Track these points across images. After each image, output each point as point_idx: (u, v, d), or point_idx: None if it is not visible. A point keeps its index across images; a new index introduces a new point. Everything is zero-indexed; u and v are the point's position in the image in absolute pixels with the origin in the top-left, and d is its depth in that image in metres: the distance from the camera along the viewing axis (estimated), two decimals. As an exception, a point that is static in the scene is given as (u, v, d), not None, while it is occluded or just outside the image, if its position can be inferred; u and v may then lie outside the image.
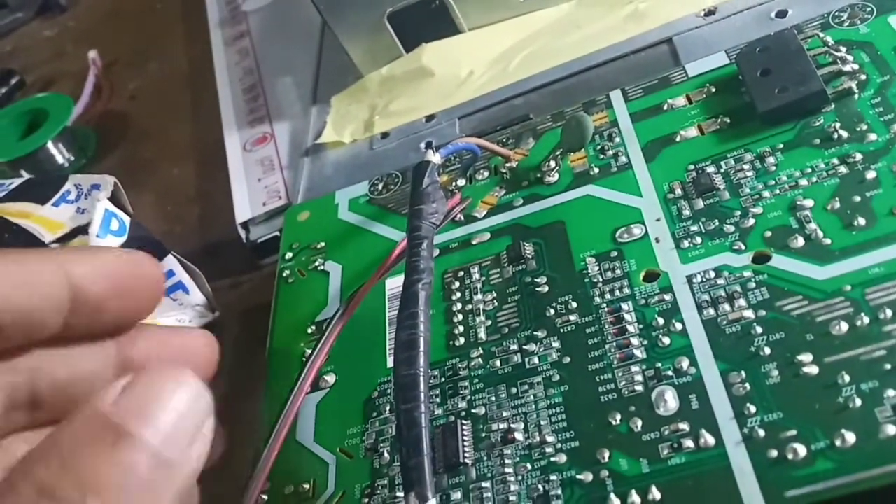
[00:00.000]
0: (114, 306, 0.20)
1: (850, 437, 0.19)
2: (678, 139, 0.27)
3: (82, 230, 0.30)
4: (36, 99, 0.48)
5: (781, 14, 0.30)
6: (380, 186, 0.32)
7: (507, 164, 0.30)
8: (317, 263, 0.30)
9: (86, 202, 0.31)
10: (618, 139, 0.28)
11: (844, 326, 0.21)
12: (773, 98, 0.26)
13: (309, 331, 0.28)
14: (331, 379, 0.26)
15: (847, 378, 0.20)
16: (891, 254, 0.22)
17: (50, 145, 0.45)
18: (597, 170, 0.28)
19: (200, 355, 0.21)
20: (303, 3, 0.33)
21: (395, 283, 0.27)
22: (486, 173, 0.30)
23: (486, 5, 0.33)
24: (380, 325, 0.27)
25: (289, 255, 0.31)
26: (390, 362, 0.26)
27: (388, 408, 0.25)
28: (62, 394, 0.19)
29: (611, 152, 0.28)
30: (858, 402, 0.19)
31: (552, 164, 0.28)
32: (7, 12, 0.62)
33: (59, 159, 0.46)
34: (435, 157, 0.26)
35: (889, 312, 0.20)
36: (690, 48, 0.30)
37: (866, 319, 0.21)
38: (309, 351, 0.27)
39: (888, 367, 0.20)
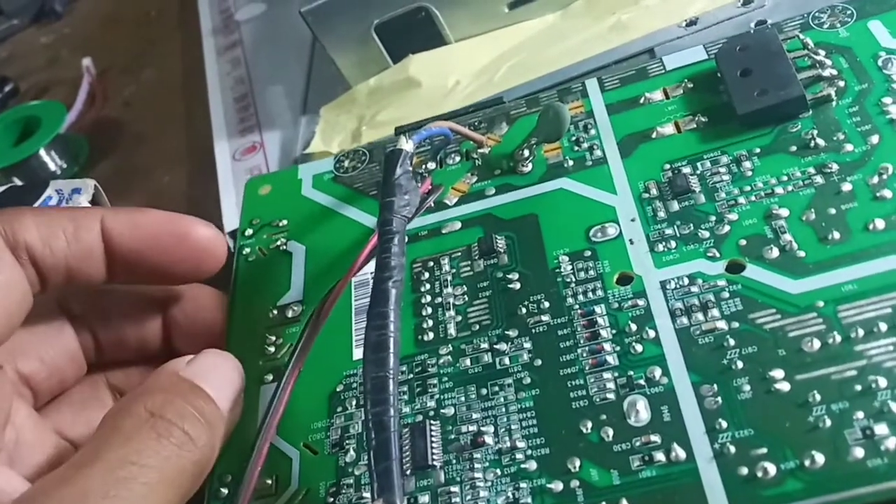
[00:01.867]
0: (149, 262, 0.24)
1: (820, 459, 0.19)
2: (654, 135, 0.27)
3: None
4: (29, 106, 0.48)
5: (761, 24, 0.29)
6: (345, 163, 0.31)
7: (480, 150, 0.29)
8: (279, 243, 0.29)
9: (67, 206, 0.32)
10: (593, 131, 0.28)
11: (817, 343, 0.21)
12: (753, 101, 0.26)
13: (271, 315, 0.27)
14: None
15: (818, 397, 0.20)
16: (864, 271, 0.22)
17: (42, 153, 0.46)
18: (571, 162, 0.27)
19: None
20: (295, 14, 0.33)
21: (363, 271, 0.26)
22: (458, 158, 0.29)
23: (472, 16, 0.34)
24: (345, 315, 0.26)
25: (249, 230, 0.30)
26: (356, 354, 0.25)
27: (354, 402, 0.24)
28: (117, 340, 0.26)
29: (586, 145, 0.28)
30: (829, 422, 0.20)
31: (526, 153, 0.28)
32: (3, 19, 0.62)
33: (52, 166, 0.46)
34: (407, 145, 0.25)
35: (861, 332, 0.21)
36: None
37: (838, 338, 0.21)
38: (273, 338, 0.26)
39: (858, 388, 0.20)
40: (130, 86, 0.51)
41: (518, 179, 0.28)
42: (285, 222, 0.30)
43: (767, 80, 0.26)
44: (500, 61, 0.33)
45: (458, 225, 0.27)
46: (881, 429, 0.19)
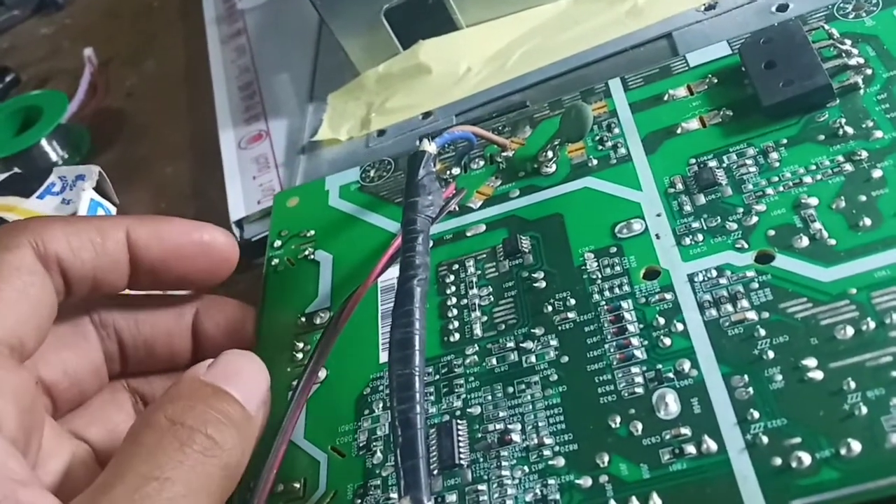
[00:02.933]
0: (172, 271, 0.25)
1: (856, 446, 0.18)
2: (679, 131, 0.27)
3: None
4: (30, 96, 0.48)
5: (782, 8, 0.29)
6: (371, 173, 0.31)
7: (504, 154, 0.29)
8: (306, 252, 0.29)
9: (71, 193, 0.31)
10: (617, 130, 0.28)
11: (850, 331, 0.20)
12: (778, 92, 0.25)
13: (299, 322, 0.27)
14: (322, 374, 0.25)
15: (853, 385, 0.19)
16: (896, 256, 0.21)
17: (44, 142, 0.45)
18: (595, 161, 0.27)
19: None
20: (299, 1, 0.33)
21: (387, 276, 0.26)
22: (482, 162, 0.29)
23: (483, 1, 0.33)
24: (371, 319, 0.26)
25: (277, 242, 0.30)
26: (382, 358, 0.25)
27: (380, 405, 0.24)
28: (144, 348, 0.25)
29: (610, 143, 0.27)
30: (864, 409, 0.19)
31: (549, 154, 0.28)
32: (4, 9, 0.62)
33: (53, 157, 0.46)
34: (430, 147, 0.25)
35: (895, 317, 0.20)
36: (690, 43, 0.29)
37: (872, 324, 0.20)
38: (301, 345, 0.26)
39: (895, 374, 0.19)
40: (132, 76, 0.51)
41: (542, 180, 0.27)
42: (312, 232, 0.30)
43: (792, 70, 0.25)
44: (513, 47, 0.32)
45: (483, 228, 0.27)
46: (920, 414, 0.18)
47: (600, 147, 0.27)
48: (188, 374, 0.21)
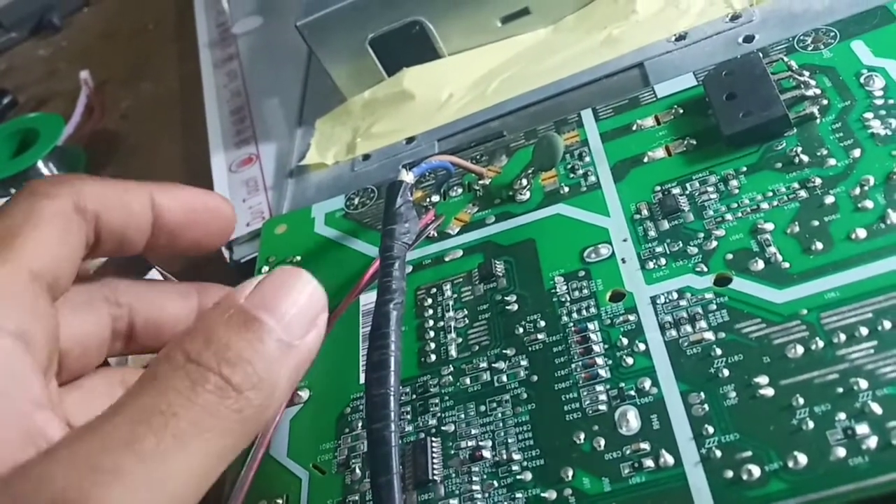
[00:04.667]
0: (188, 235, 0.25)
1: (803, 459, 0.20)
2: (646, 160, 0.28)
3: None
4: (27, 119, 0.49)
5: (748, 39, 0.30)
6: (356, 201, 0.32)
7: (481, 182, 0.30)
8: (293, 277, 0.30)
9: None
10: (588, 158, 0.29)
11: (800, 349, 0.21)
12: (738, 122, 0.27)
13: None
14: (305, 394, 0.27)
15: (801, 401, 0.20)
16: (846, 279, 0.22)
17: (40, 164, 0.46)
18: (567, 189, 0.28)
19: None
20: (291, 28, 0.34)
21: (368, 299, 0.28)
22: (460, 190, 0.30)
23: (465, 30, 0.34)
24: (353, 340, 0.27)
25: (265, 268, 0.31)
26: (363, 378, 0.26)
27: (360, 424, 0.25)
28: (153, 329, 0.25)
29: (581, 171, 0.29)
30: (811, 424, 0.20)
31: (524, 182, 0.29)
32: (1, 31, 0.63)
33: None
34: (408, 177, 0.26)
35: (843, 336, 0.21)
36: (661, 72, 0.31)
37: (821, 343, 0.21)
38: (284, 366, 0.27)
39: (840, 390, 0.20)
40: (128, 98, 0.52)
41: (516, 207, 0.29)
42: (298, 258, 0.31)
43: (752, 101, 0.27)
44: (493, 75, 0.34)
45: (460, 253, 0.28)
46: (862, 429, 0.20)
47: (571, 175, 0.29)
48: (226, 297, 0.20)
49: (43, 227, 0.22)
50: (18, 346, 0.20)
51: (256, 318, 0.19)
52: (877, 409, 0.20)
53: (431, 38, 0.34)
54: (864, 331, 0.21)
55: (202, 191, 0.26)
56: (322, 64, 0.35)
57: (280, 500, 0.24)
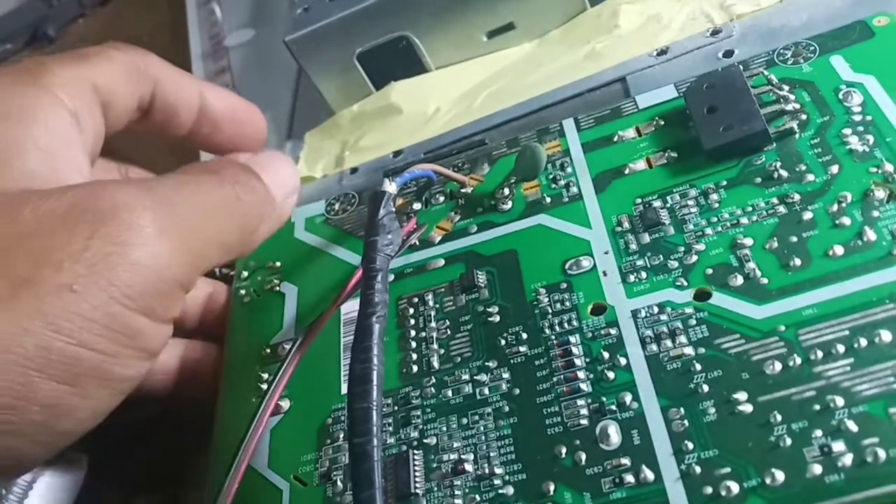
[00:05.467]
0: (228, 129, 0.30)
1: (780, 476, 0.20)
2: (627, 171, 0.28)
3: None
4: None
5: (728, 54, 0.31)
6: (336, 206, 0.32)
7: (463, 190, 0.30)
8: (272, 284, 0.30)
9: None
10: (569, 169, 0.29)
11: (778, 366, 0.22)
12: (718, 136, 0.27)
13: (264, 353, 0.28)
14: (285, 405, 0.27)
15: (779, 417, 0.21)
16: (823, 295, 0.23)
17: None
18: (549, 199, 0.28)
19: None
20: (281, 41, 0.34)
21: (350, 308, 0.28)
22: (442, 198, 0.30)
23: (452, 45, 0.35)
24: (334, 350, 0.27)
25: (244, 273, 0.31)
26: (345, 389, 0.26)
27: (341, 435, 0.25)
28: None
29: (563, 182, 0.29)
30: (788, 441, 0.20)
31: (506, 191, 0.29)
32: None
33: None
34: (391, 187, 0.26)
35: (820, 353, 0.22)
36: (642, 86, 0.31)
37: (798, 360, 0.22)
38: (265, 376, 0.27)
39: (817, 407, 0.21)
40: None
41: (498, 217, 0.29)
42: (279, 264, 0.31)
43: (732, 115, 0.27)
44: (479, 89, 0.34)
45: (442, 262, 0.28)
46: (838, 446, 0.20)
47: (553, 185, 0.29)
48: (227, 157, 0.28)
49: (110, 63, 0.26)
50: (73, 123, 0.24)
51: (255, 173, 0.26)
52: (852, 426, 0.20)
53: (418, 53, 0.35)
54: (841, 348, 0.21)
55: (244, 100, 0.31)
56: (311, 78, 0.36)
57: (261, 513, 0.24)
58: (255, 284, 0.31)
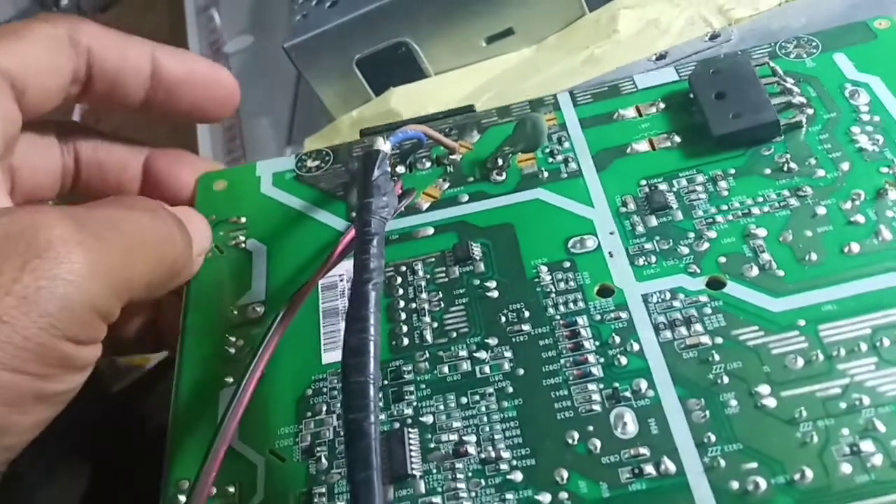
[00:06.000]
0: (188, 94, 0.28)
1: (809, 474, 0.19)
2: (629, 151, 0.27)
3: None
4: None
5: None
6: (308, 163, 0.30)
7: (451, 157, 0.28)
8: (237, 241, 0.28)
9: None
10: (567, 144, 0.28)
11: (800, 361, 0.21)
12: (728, 123, 0.26)
13: (230, 315, 0.26)
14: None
15: (805, 413, 0.20)
16: (843, 292, 0.22)
17: None
18: (546, 174, 0.27)
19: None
20: (280, 47, 0.34)
21: (330, 273, 0.25)
22: (428, 163, 0.29)
23: (450, 51, 0.34)
24: (313, 317, 0.25)
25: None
26: (326, 359, 0.24)
27: (324, 408, 0.23)
28: (98, 172, 0.28)
29: (560, 157, 0.27)
30: (816, 438, 0.20)
31: (500, 161, 0.27)
32: None
33: None
34: (385, 146, 0.24)
35: (842, 351, 0.21)
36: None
37: (821, 356, 0.21)
38: (233, 339, 0.25)
39: (843, 405, 0.20)
40: (119, 115, 0.50)
41: (492, 188, 0.27)
42: (244, 220, 0.28)
43: (741, 103, 0.26)
44: (478, 94, 0.34)
45: (431, 231, 0.26)
46: (867, 445, 0.19)
47: (551, 160, 0.27)
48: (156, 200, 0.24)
49: (29, 41, 0.24)
50: None
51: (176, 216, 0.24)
52: (881, 426, 0.20)
53: (417, 59, 0.34)
54: (864, 346, 0.21)
55: (207, 60, 0.29)
56: (310, 84, 0.35)
57: (232, 489, 0.22)
58: (218, 240, 0.28)
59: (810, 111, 0.26)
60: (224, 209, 0.29)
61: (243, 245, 0.27)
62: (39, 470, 0.26)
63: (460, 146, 0.28)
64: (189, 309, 0.26)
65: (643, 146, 0.27)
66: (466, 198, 0.27)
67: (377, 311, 0.21)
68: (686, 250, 0.24)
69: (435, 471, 0.21)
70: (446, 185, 0.28)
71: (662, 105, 0.28)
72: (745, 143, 0.26)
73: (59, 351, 0.20)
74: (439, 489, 0.21)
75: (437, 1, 0.33)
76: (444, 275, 0.25)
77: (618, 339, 0.23)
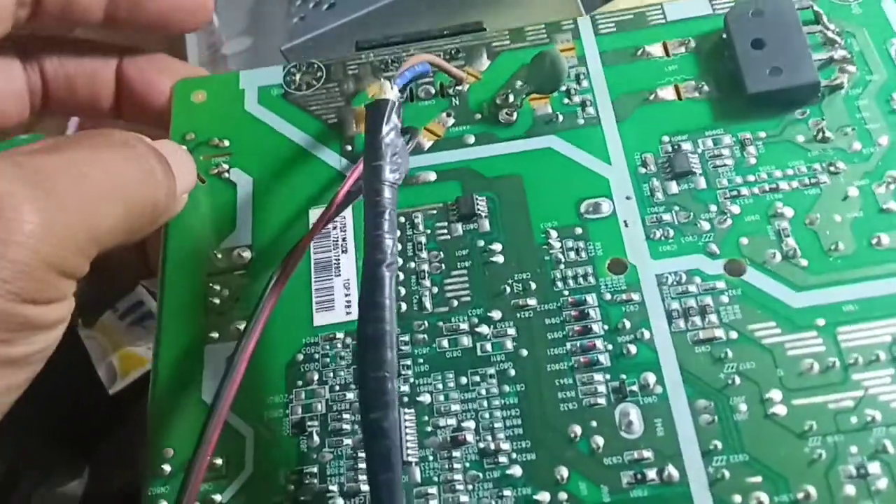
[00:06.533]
0: (152, 4, 0.25)
1: (813, 493, 0.19)
2: (653, 98, 0.25)
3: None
4: (18, 140, 0.40)
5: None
6: (297, 78, 0.27)
7: (458, 87, 0.26)
8: (220, 169, 0.25)
9: None
10: (585, 83, 0.25)
11: (815, 366, 0.20)
12: (765, 79, 0.24)
13: (214, 258, 0.24)
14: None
15: (814, 426, 0.20)
16: (865, 292, 0.21)
17: None
18: (561, 118, 0.25)
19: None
20: (278, 50, 0.33)
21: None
22: (432, 91, 0.26)
23: None
24: (303, 273, 0.23)
25: (182, 147, 0.26)
26: (318, 319, 0.23)
27: (316, 377, 0.22)
28: (67, 86, 0.26)
29: (577, 99, 0.25)
30: (823, 455, 0.19)
31: (510, 98, 0.25)
32: None
33: None
34: (393, 93, 0.22)
35: (859, 359, 0.20)
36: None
37: (837, 363, 0.20)
38: (217, 288, 0.23)
39: (854, 420, 0.20)
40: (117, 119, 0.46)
41: (501, 130, 0.25)
42: (227, 143, 0.26)
43: (781, 57, 0.24)
44: None
45: (433, 176, 0.24)
46: (874, 468, 0.19)
47: (567, 101, 0.25)
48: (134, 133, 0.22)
49: None
50: None
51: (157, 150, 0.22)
52: (890, 447, 0.19)
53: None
54: (883, 355, 0.20)
55: None
56: None
57: (219, 461, 0.21)
58: (200, 166, 0.25)
59: (852, 69, 0.24)
60: (204, 126, 0.26)
61: (227, 174, 0.25)
62: (39, 470, 0.25)
63: (468, 75, 0.26)
64: (168, 251, 0.24)
65: (669, 93, 0.25)
66: (472, 139, 0.25)
67: (393, 296, 0.19)
68: (707, 226, 0.23)
69: (431, 458, 0.21)
70: (451, 121, 0.25)
71: (693, 44, 0.25)
72: (780, 104, 0.24)
73: (19, 315, 0.18)
74: (435, 479, 0.20)
75: (434, 3, 0.31)
76: (445, 231, 0.24)
77: (628, 325, 0.21)
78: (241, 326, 0.23)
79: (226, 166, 0.25)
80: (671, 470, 0.20)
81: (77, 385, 0.30)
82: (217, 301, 0.23)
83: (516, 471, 0.20)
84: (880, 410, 0.20)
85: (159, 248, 0.24)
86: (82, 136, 0.21)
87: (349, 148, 0.25)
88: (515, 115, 0.25)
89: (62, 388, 0.27)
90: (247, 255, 0.24)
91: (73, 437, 0.26)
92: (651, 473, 0.20)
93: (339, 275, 0.23)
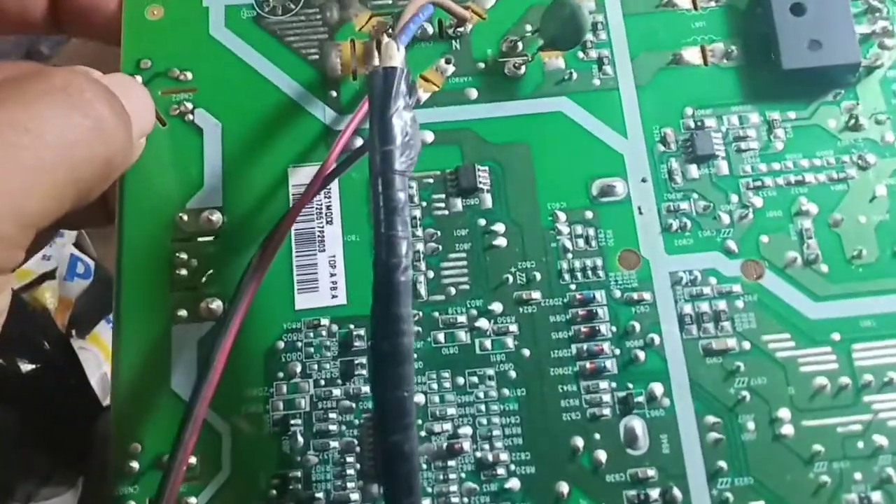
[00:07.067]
0: None
1: (815, 523, 0.19)
2: (676, 60, 0.22)
3: (49, 276, 0.33)
4: None
5: None
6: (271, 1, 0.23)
7: (460, 28, 0.23)
8: (182, 109, 0.22)
9: (51, 249, 0.32)
10: (604, 35, 0.23)
11: (827, 385, 0.20)
12: (803, 54, 0.22)
13: (178, 220, 0.21)
14: (217, 306, 0.20)
15: (821, 450, 0.19)
16: (885, 307, 0.20)
17: None
18: (574, 75, 0.22)
19: None
20: None
21: (302, 179, 0.21)
22: (430, 29, 0.23)
23: None
24: (283, 250, 0.21)
25: (137, 77, 0.22)
26: (299, 302, 0.21)
27: (298, 368, 0.20)
28: None
29: (594, 54, 0.22)
30: (829, 481, 0.19)
31: (519, 46, 0.22)
32: None
33: None
34: (399, 58, 0.18)
35: (871, 380, 0.20)
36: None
37: (849, 382, 0.20)
38: (184, 257, 0.21)
39: (861, 445, 0.19)
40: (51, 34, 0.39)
41: (507, 84, 0.22)
42: (189, 76, 0.22)
43: (823, 29, 0.22)
44: None
45: (431, 137, 0.22)
46: (877, 497, 0.19)
47: (582, 55, 0.22)
48: (76, 67, 0.19)
49: None
50: None
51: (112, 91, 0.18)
52: (894, 476, 0.19)
53: None
54: (895, 378, 0.20)
55: None
56: None
57: (193, 460, 0.19)
58: (158, 102, 0.22)
59: (890, 43, 0.22)
60: (161, 52, 0.22)
61: (191, 117, 0.22)
62: (33, 480, 0.23)
63: (471, 14, 0.23)
64: (125, 211, 0.21)
65: (694, 55, 0.22)
66: (475, 94, 0.22)
67: (409, 305, 0.17)
68: (727, 219, 0.21)
69: (425, 466, 0.19)
70: (451, 69, 0.22)
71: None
72: (816, 83, 0.22)
73: None
74: (430, 490, 0.19)
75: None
76: (443, 206, 0.21)
77: (638, 328, 0.20)
78: (213, 305, 0.20)
79: (189, 105, 0.22)
80: (675, 493, 0.19)
81: (71, 395, 0.27)
82: (184, 272, 0.21)
83: (514, 484, 0.19)
84: (887, 436, 0.19)
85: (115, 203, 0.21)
86: (9, 87, 0.17)
87: (334, 94, 0.22)
88: (524, 68, 0.22)
89: (56, 399, 0.25)
90: (216, 218, 0.21)
91: (67, 447, 0.24)
92: (654, 494, 0.19)
93: (324, 250, 0.21)
